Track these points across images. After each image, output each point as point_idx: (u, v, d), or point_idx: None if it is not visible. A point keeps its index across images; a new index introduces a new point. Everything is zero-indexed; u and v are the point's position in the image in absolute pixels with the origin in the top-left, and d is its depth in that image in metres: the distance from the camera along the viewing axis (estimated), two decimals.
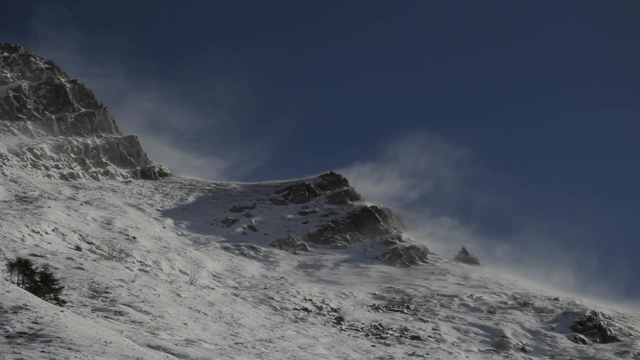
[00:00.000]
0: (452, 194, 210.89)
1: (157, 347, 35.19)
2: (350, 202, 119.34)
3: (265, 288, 76.69)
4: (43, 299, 34.01)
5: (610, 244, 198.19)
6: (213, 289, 68.39)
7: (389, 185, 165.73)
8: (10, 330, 26.38)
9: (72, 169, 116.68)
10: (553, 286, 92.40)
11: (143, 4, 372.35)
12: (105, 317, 40.70)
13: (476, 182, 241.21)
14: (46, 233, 68.38)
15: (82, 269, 50.57)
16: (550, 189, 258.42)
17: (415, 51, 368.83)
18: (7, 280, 37.12)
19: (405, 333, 65.86)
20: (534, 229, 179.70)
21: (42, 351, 24.60)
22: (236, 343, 43.50)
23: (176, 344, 37.41)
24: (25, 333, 26.26)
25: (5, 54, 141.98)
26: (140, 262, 70.86)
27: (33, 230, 66.73)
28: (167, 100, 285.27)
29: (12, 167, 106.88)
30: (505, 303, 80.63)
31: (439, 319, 73.48)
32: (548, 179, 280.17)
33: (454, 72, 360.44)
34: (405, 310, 75.47)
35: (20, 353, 24.22)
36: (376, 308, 75.61)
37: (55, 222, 73.29)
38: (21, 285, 36.45)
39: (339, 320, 67.79)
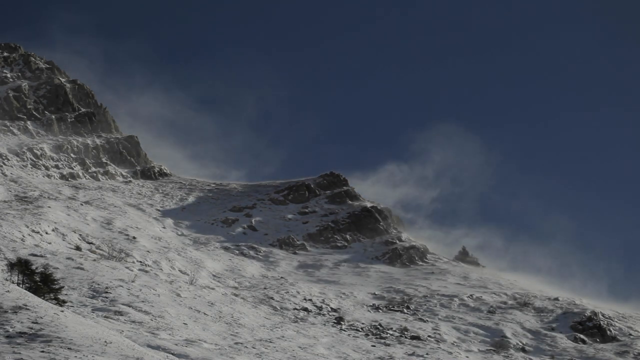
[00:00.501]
0: (484, 198, 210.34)
1: (157, 347, 35.21)
2: (350, 202, 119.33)
3: (265, 288, 76.69)
4: (43, 299, 34.01)
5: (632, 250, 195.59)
6: (213, 289, 68.40)
7: (415, 188, 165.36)
8: (10, 330, 26.38)
9: (72, 169, 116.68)
10: (591, 298, 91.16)
11: (155, 11, 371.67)
12: (105, 317, 40.72)
13: (509, 185, 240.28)
14: (46, 233, 68.40)
15: (82, 269, 50.58)
16: (574, 189, 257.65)
17: (420, 50, 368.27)
18: (7, 280, 37.13)
19: (405, 333, 65.86)
20: (563, 234, 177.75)
21: (42, 351, 24.61)
22: (236, 343, 43.51)
23: (176, 344, 37.43)
24: (25, 333, 26.27)
25: (5, 54, 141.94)
26: (140, 262, 70.87)
27: (33, 230, 66.75)
28: (175, 103, 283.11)
29: (12, 167, 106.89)
30: (505, 303, 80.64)
31: (439, 319, 73.48)
32: (569, 178, 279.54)
33: (454, 72, 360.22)
34: (405, 310, 75.48)
35: (20, 353, 24.23)
36: (376, 308, 75.62)
37: (55, 222, 73.31)
38: (21, 285, 36.46)
39: (339, 320, 67.80)
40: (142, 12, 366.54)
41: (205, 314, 49.61)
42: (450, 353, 59.80)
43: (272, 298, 72.00)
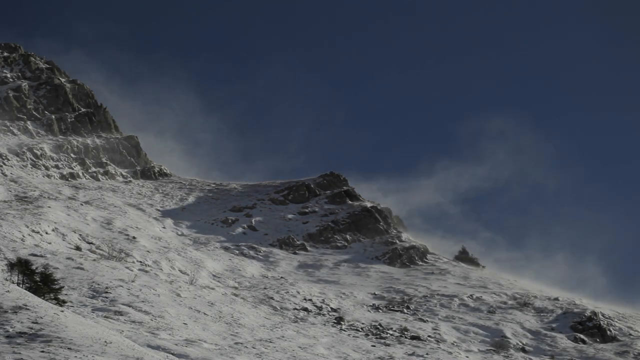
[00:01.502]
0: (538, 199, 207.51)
1: (157, 347, 35.22)
2: (350, 202, 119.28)
3: (265, 288, 76.69)
4: (43, 299, 34.02)
5: None
6: (213, 289, 68.41)
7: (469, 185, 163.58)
8: (10, 330, 26.39)
9: (72, 169, 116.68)
10: (591, 299, 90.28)
11: (156, 11, 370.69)
12: (105, 317, 40.73)
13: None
14: (46, 233, 68.41)
15: (82, 269, 50.60)
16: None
17: (419, 51, 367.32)
18: (7, 280, 37.14)
19: (405, 333, 65.87)
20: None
21: (42, 351, 24.61)
22: (236, 343, 43.52)
23: (176, 344, 37.44)
24: (25, 333, 26.27)
25: (5, 54, 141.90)
26: (140, 262, 70.88)
27: (33, 230, 66.76)
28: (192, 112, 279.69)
29: (12, 167, 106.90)
30: (505, 303, 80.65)
31: (439, 319, 73.49)
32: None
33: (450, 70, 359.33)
34: (405, 310, 75.48)
35: (20, 353, 24.24)
36: (376, 308, 75.63)
37: (55, 222, 73.31)
38: (21, 285, 36.47)
39: (339, 320, 67.80)
40: (150, 13, 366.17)
41: (205, 314, 49.62)
42: (450, 353, 59.81)
43: (272, 298, 72.00)
